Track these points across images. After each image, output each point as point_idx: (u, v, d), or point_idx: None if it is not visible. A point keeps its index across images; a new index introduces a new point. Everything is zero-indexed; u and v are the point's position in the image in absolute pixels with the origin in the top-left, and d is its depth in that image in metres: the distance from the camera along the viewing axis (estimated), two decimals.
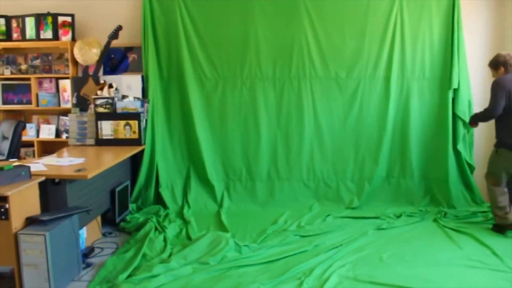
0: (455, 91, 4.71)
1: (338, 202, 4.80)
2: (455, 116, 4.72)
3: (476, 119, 4.25)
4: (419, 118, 4.81)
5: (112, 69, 4.99)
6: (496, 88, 3.91)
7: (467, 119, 4.66)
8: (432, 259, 3.46)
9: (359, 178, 4.88)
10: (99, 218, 4.00)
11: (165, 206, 4.64)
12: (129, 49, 4.97)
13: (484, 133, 4.90)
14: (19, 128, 4.59)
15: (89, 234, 3.74)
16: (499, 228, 4.02)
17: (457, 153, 4.77)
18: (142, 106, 4.60)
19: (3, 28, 4.94)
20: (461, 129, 4.73)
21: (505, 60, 3.96)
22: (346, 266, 3.31)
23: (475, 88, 4.79)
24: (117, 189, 4.14)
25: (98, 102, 4.56)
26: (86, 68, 4.87)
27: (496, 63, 4.01)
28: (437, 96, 4.79)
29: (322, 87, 4.82)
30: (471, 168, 4.81)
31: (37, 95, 5.05)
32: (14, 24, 4.95)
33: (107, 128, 4.53)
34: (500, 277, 3.15)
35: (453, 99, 4.73)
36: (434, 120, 4.81)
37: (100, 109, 4.56)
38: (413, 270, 3.27)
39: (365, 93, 4.82)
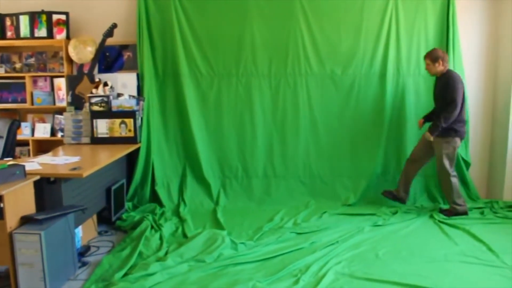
0: None
1: (334, 199, 4.81)
2: None
3: (439, 125, 4.18)
4: (415, 115, 4.80)
5: (107, 67, 4.97)
6: (458, 83, 4.14)
7: None
8: (428, 255, 3.47)
9: (355, 175, 4.88)
10: (94, 216, 3.99)
11: (161, 204, 4.64)
12: (124, 47, 4.95)
13: (480, 130, 4.93)
14: (14, 127, 4.55)
15: (84, 232, 3.74)
16: (451, 214, 4.31)
17: None
18: (138, 104, 4.59)
19: None
20: None
21: (443, 55, 4.22)
22: (342, 263, 3.31)
23: (470, 84, 4.80)
24: (113, 188, 4.12)
25: (93, 100, 4.54)
26: (81, 66, 4.85)
27: (436, 57, 4.22)
28: (432, 93, 4.79)
29: (317, 84, 4.82)
30: (467, 164, 4.81)
31: (31, 94, 5.03)
32: (8, 22, 4.92)
33: (102, 127, 4.51)
34: (496, 272, 3.17)
35: None
36: None
37: (95, 108, 4.54)
38: (409, 266, 3.28)
39: (361, 90, 4.82)
